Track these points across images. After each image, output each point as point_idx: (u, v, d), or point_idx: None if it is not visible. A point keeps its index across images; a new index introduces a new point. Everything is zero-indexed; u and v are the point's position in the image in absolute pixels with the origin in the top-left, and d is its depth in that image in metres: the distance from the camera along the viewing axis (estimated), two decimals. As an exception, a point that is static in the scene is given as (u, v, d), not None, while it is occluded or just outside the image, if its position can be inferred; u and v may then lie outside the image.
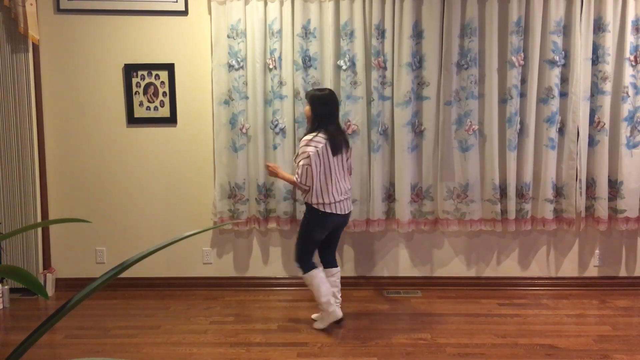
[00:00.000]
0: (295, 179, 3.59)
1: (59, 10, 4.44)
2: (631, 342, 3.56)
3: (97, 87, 4.51)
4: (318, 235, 3.71)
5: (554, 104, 4.29)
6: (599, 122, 4.32)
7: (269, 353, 3.43)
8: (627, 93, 4.28)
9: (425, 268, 4.65)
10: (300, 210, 4.41)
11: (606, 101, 4.29)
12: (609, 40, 4.23)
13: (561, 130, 4.38)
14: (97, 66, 4.49)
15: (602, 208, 4.36)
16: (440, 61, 4.31)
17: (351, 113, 4.28)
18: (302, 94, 4.33)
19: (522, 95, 4.32)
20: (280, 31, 4.30)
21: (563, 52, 4.28)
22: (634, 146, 4.34)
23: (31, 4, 4.30)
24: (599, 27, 4.26)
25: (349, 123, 4.32)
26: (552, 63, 4.26)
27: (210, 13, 4.35)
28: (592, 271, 4.62)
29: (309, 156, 3.52)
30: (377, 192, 4.38)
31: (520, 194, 4.41)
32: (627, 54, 4.26)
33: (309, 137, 3.59)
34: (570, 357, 3.35)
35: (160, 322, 3.97)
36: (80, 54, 4.48)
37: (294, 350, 3.45)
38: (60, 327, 3.75)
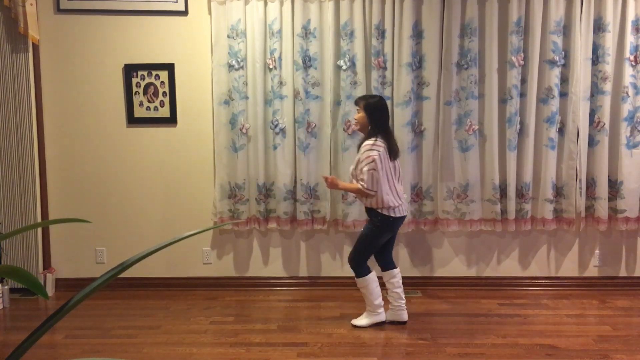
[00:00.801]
0: (360, 186, 3.55)
1: (59, 10, 4.44)
2: (631, 342, 3.56)
3: (97, 87, 4.51)
4: (383, 240, 3.71)
5: (554, 104, 4.30)
6: (599, 122, 4.32)
7: (269, 353, 3.43)
8: (627, 93, 4.29)
9: (425, 268, 4.65)
10: (301, 210, 4.41)
11: (606, 101, 4.29)
12: (609, 40, 4.23)
13: (561, 130, 4.38)
14: (97, 66, 4.49)
15: (602, 208, 4.36)
16: (440, 61, 4.31)
17: (351, 113, 4.28)
18: (302, 94, 4.33)
19: (522, 95, 4.32)
20: (280, 31, 4.30)
21: (563, 52, 4.28)
22: (634, 146, 4.34)
23: (31, 4, 4.29)
24: (599, 27, 4.26)
25: (349, 123, 4.32)
26: (552, 63, 4.26)
27: (210, 13, 4.35)
28: (592, 271, 4.62)
29: (373, 160, 3.51)
30: (377, 192, 4.38)
31: (520, 194, 4.41)
32: (627, 54, 4.26)
33: (369, 142, 3.58)
34: (570, 357, 3.35)
35: (160, 322, 3.97)
36: (80, 54, 4.48)
37: (294, 350, 3.45)
38: (60, 327, 3.75)
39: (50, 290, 4.59)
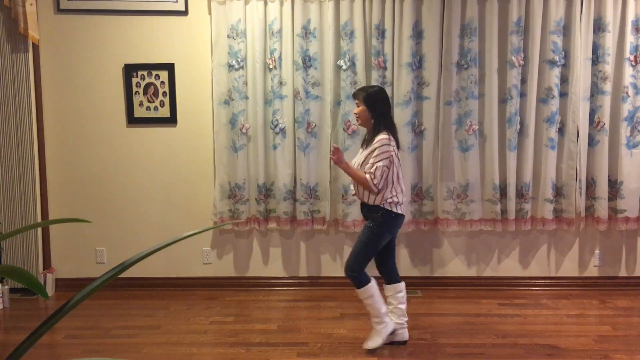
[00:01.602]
0: (368, 178, 3.28)
1: (59, 10, 4.44)
2: (631, 342, 3.56)
3: (97, 87, 4.51)
4: (384, 241, 3.42)
5: (554, 104, 4.30)
6: (599, 122, 4.32)
7: (269, 353, 3.43)
8: (627, 93, 4.29)
9: (425, 268, 4.65)
10: (301, 210, 4.41)
11: (606, 101, 4.29)
12: (609, 40, 4.23)
13: (561, 130, 4.38)
14: (97, 66, 4.49)
15: (602, 208, 4.36)
16: (440, 61, 4.31)
17: (351, 113, 4.27)
18: (302, 94, 4.33)
19: (522, 95, 4.32)
20: (280, 31, 4.30)
21: (563, 52, 4.28)
22: (634, 146, 4.34)
23: (31, 4, 4.29)
24: (599, 27, 4.26)
25: (349, 123, 4.32)
26: (552, 63, 4.26)
27: (210, 13, 4.35)
28: (592, 271, 4.62)
29: (389, 157, 3.30)
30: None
31: (520, 194, 4.41)
32: (627, 54, 4.26)
33: (384, 136, 3.33)
34: (570, 357, 3.35)
35: (160, 322, 3.97)
36: (80, 54, 4.48)
37: (294, 350, 3.45)
38: (60, 327, 3.74)
39: (50, 290, 4.59)
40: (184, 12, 4.43)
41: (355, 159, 3.50)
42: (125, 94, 4.50)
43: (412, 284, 4.59)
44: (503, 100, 4.34)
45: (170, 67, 4.46)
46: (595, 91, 4.33)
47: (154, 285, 4.61)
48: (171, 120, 4.52)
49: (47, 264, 4.62)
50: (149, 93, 4.50)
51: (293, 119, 4.38)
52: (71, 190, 4.60)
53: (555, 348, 3.47)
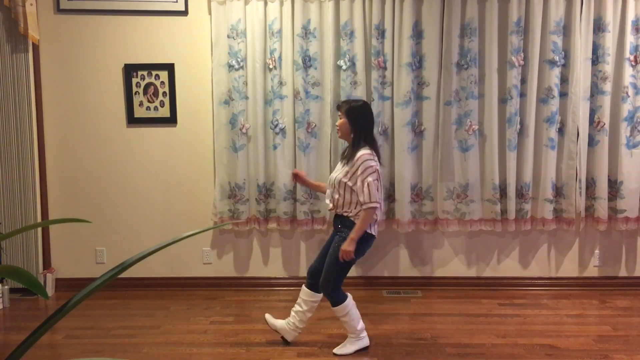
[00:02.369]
0: (365, 210, 3.18)
1: (59, 10, 4.44)
2: (631, 342, 3.56)
3: (97, 87, 4.51)
4: (356, 259, 3.34)
5: (554, 104, 4.30)
6: (598, 122, 4.32)
7: (269, 353, 3.43)
8: (627, 93, 4.29)
9: (425, 268, 4.65)
10: (301, 210, 4.41)
11: (606, 101, 4.29)
12: (609, 40, 4.23)
13: (561, 130, 4.38)
14: (97, 66, 4.49)
15: (601, 208, 4.36)
16: (440, 61, 4.31)
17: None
18: (302, 94, 4.33)
19: (522, 95, 4.32)
20: (280, 31, 4.30)
21: (563, 52, 4.28)
22: (634, 146, 4.34)
23: (31, 4, 4.29)
24: (599, 27, 4.26)
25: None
26: (552, 63, 4.26)
27: (210, 13, 4.35)
28: (592, 271, 4.62)
29: (376, 171, 3.23)
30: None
31: (520, 194, 4.41)
32: (627, 54, 4.26)
33: (366, 151, 3.25)
34: (570, 357, 3.35)
35: (160, 322, 3.97)
36: (80, 54, 4.48)
37: (294, 350, 3.45)
38: (60, 327, 3.75)
39: (50, 290, 4.59)
40: (184, 12, 4.43)
41: (334, 173, 3.40)
42: (125, 94, 4.50)
43: (412, 284, 4.61)
44: (503, 100, 4.34)
45: (170, 67, 4.46)
46: (595, 91, 4.33)
47: (154, 285, 4.61)
48: (171, 120, 4.52)
49: (47, 264, 4.62)
50: (149, 93, 4.50)
51: (293, 119, 4.38)
52: (71, 190, 4.60)
53: (555, 348, 3.47)
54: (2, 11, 4.33)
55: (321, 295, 3.45)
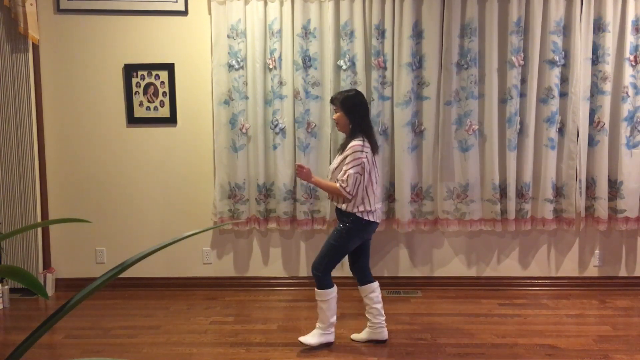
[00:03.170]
0: (339, 187, 3.29)
1: (59, 10, 4.44)
2: (631, 342, 3.56)
3: (97, 87, 4.51)
4: (352, 246, 3.43)
5: (554, 104, 4.30)
6: (598, 122, 4.32)
7: (269, 353, 3.43)
8: (627, 93, 4.29)
9: (425, 268, 4.65)
10: (301, 210, 4.41)
11: (606, 101, 4.29)
12: (609, 40, 4.23)
13: (561, 130, 4.38)
14: (97, 66, 4.49)
15: (601, 208, 4.36)
16: (440, 61, 4.31)
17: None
18: (302, 94, 4.33)
19: (522, 95, 4.32)
20: (280, 31, 4.30)
21: (563, 52, 4.28)
22: (634, 146, 4.34)
23: (31, 4, 4.30)
24: (599, 27, 4.26)
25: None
26: (552, 63, 4.26)
27: (210, 13, 4.35)
28: (592, 271, 4.62)
29: (361, 164, 3.28)
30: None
31: (520, 194, 4.41)
32: (627, 54, 4.26)
33: (358, 142, 3.31)
34: (570, 357, 3.35)
35: (160, 322, 3.97)
36: (80, 54, 4.48)
37: (294, 350, 3.45)
38: (60, 327, 3.75)
39: (50, 290, 4.59)
40: (184, 12, 4.43)
41: (332, 164, 3.52)
42: (125, 94, 4.50)
43: (412, 284, 4.61)
44: (503, 100, 4.34)
45: (170, 67, 4.46)
46: (595, 91, 4.33)
47: (154, 285, 4.61)
48: (171, 120, 4.52)
49: (47, 264, 4.62)
50: (149, 93, 4.50)
51: (293, 119, 4.38)
52: (71, 191, 4.60)
53: (555, 348, 3.47)
54: (2, 11, 4.33)
55: (376, 282, 3.51)
